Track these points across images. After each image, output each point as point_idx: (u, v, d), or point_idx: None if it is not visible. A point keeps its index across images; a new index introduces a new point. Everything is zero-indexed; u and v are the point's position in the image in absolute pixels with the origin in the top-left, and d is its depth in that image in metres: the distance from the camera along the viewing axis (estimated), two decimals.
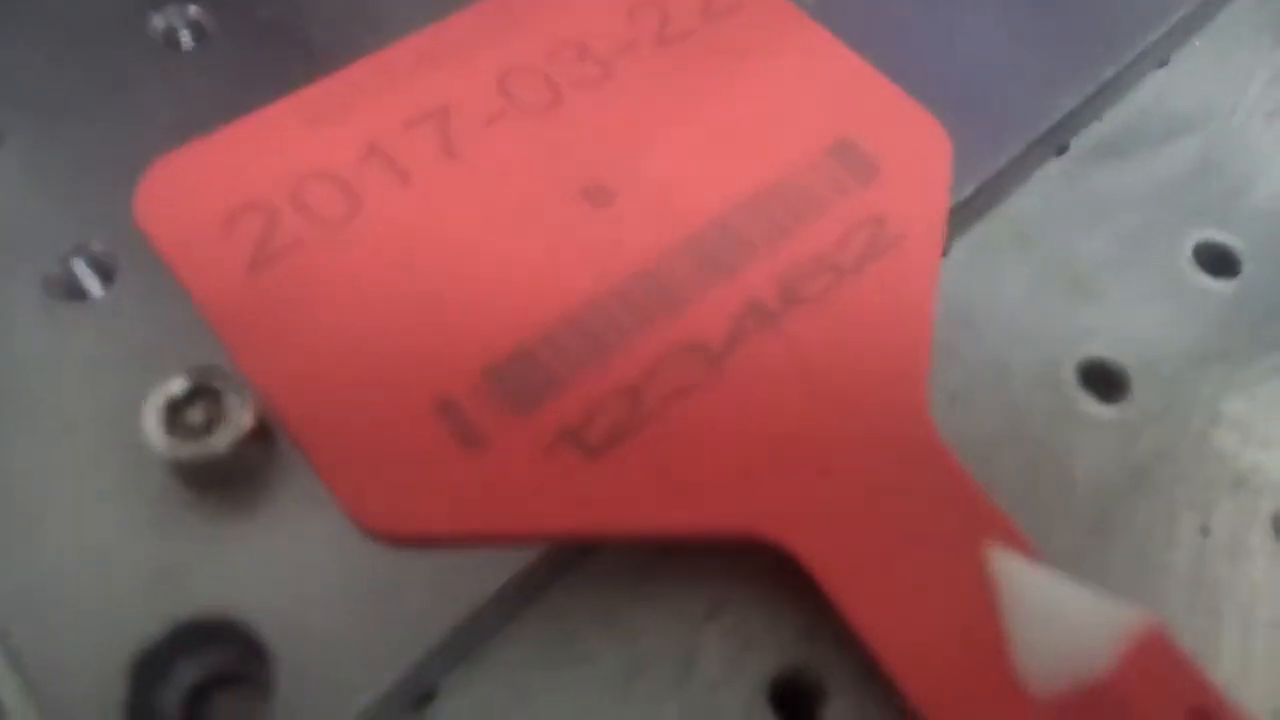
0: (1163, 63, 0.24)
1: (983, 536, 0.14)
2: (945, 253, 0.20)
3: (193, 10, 0.20)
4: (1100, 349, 0.19)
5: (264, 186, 0.17)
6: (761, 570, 0.16)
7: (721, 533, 0.15)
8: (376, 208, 0.17)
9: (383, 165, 0.17)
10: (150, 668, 0.14)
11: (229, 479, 0.15)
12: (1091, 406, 0.18)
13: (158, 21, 0.20)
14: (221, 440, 0.14)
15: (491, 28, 0.19)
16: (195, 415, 0.15)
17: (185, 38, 0.20)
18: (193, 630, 0.14)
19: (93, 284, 0.17)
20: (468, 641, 0.15)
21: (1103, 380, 0.19)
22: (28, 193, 0.18)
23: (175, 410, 0.15)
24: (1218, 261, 0.20)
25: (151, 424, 0.14)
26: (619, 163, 0.18)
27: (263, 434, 0.15)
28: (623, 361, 0.16)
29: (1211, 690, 0.12)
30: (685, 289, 0.17)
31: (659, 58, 0.19)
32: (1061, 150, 0.22)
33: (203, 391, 0.15)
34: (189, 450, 0.14)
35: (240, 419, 0.14)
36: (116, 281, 0.17)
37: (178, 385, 0.15)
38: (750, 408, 0.16)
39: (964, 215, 0.20)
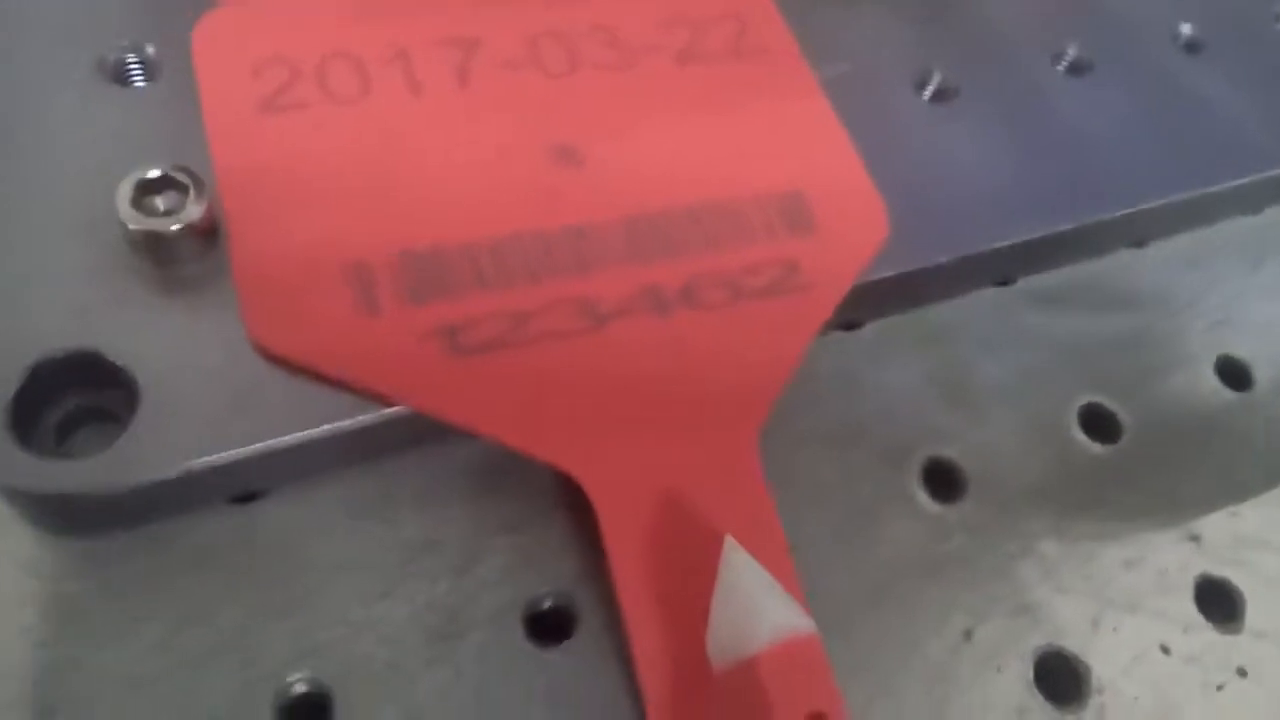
0: (1139, 244, 0.25)
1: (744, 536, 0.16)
2: (858, 326, 0.22)
3: None
4: (953, 452, 0.21)
5: (298, 50, 0.20)
6: (574, 506, 0.18)
7: (537, 456, 0.17)
8: (381, 100, 0.20)
9: (402, 69, 0.20)
10: (40, 381, 0.16)
11: (171, 261, 0.17)
12: (921, 497, 0.20)
13: None
14: (171, 223, 0.17)
15: None
16: (162, 203, 0.17)
17: None
18: (84, 360, 0.16)
19: (137, 77, 0.20)
20: (301, 462, 0.17)
21: (943, 479, 0.20)
22: None
23: (144, 192, 0.17)
24: (1098, 424, 0.22)
25: (122, 195, 0.17)
26: (597, 139, 0.20)
27: (208, 233, 0.17)
28: (520, 293, 0.18)
29: (838, 703, 0.14)
30: (601, 256, 0.19)
31: (675, 68, 0.22)
32: (1005, 282, 0.23)
33: (172, 183, 0.17)
34: (143, 224, 0.17)
35: (191, 212, 0.17)
36: (158, 81, 0.20)
37: (153, 171, 0.17)
38: (609, 368, 0.18)
39: (886, 302, 0.22)
